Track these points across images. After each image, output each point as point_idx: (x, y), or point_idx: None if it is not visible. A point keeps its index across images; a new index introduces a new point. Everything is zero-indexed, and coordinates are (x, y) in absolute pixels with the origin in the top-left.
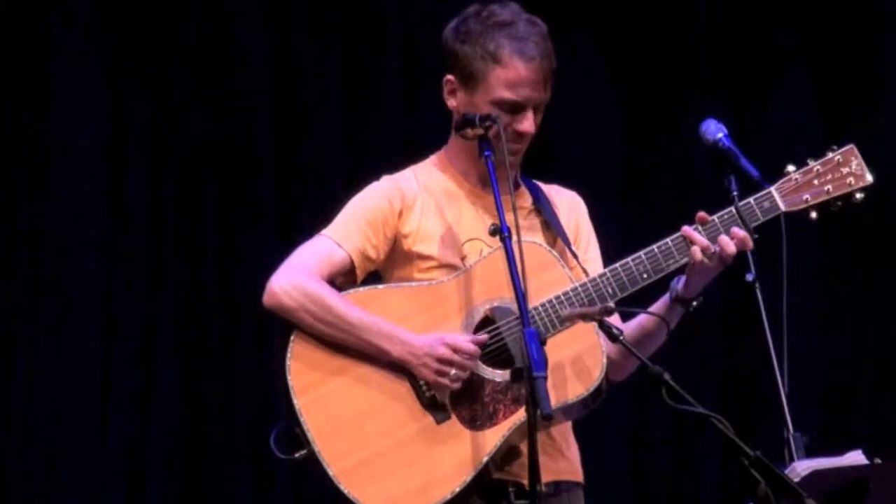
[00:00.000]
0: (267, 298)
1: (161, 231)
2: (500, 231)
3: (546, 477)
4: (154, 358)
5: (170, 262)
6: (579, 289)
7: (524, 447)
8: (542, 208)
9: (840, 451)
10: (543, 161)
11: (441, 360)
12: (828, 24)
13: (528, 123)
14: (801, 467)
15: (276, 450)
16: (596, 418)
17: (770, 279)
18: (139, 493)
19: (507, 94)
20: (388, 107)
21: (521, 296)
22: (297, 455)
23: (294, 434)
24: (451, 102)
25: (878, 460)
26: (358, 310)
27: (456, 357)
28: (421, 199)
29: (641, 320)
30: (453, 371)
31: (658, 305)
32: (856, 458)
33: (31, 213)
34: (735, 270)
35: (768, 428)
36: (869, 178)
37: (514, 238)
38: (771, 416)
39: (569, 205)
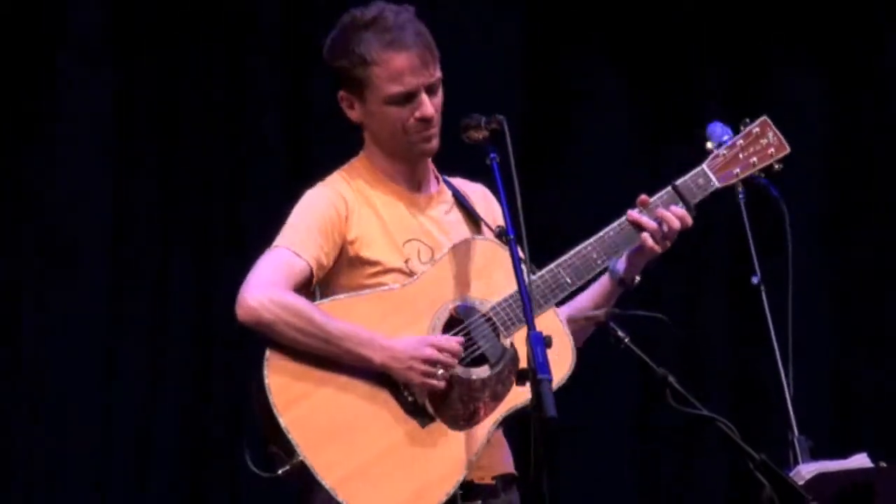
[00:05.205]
0: (243, 313)
1: (169, 214)
2: (507, 234)
3: (499, 470)
4: (160, 351)
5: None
6: (538, 280)
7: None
8: (462, 202)
9: (845, 454)
10: (557, 163)
11: (428, 361)
12: (835, 29)
13: (426, 108)
14: (806, 470)
15: (256, 468)
16: (601, 412)
17: (775, 282)
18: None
19: (395, 88)
20: None
21: (526, 300)
22: (280, 472)
23: (269, 453)
24: (353, 115)
25: (883, 464)
26: (338, 320)
27: (442, 356)
28: (358, 205)
29: (580, 305)
30: (441, 371)
31: (598, 287)
32: (861, 461)
33: (37, 195)
34: (740, 274)
35: (773, 431)
36: (787, 147)
37: (493, 243)
38: (776, 419)
39: (481, 197)
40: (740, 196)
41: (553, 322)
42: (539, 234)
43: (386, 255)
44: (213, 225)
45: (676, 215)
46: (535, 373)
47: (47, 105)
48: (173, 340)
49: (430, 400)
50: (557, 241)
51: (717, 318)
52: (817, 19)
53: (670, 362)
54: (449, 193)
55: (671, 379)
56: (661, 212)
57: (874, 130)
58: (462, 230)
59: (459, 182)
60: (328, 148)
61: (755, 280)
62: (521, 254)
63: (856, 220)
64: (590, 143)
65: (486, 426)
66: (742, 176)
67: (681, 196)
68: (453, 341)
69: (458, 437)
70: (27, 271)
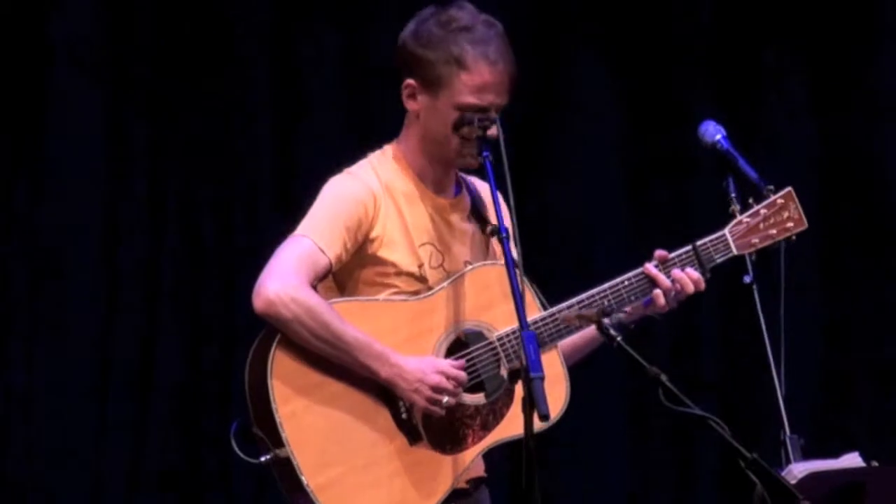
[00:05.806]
0: (261, 305)
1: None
2: (499, 232)
3: (472, 474)
4: (154, 338)
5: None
6: (548, 318)
7: None
8: (479, 210)
9: (837, 453)
10: (546, 162)
11: (435, 389)
12: (825, 36)
13: (493, 130)
14: (798, 469)
15: (239, 451)
16: (600, 412)
17: (767, 281)
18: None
19: (473, 100)
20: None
21: (518, 298)
22: (262, 459)
23: (254, 435)
24: (412, 105)
25: (875, 463)
26: (353, 328)
27: (449, 385)
28: (384, 202)
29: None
30: (445, 399)
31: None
32: (852, 460)
33: (29, 196)
34: (733, 273)
35: (765, 430)
36: (805, 223)
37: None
38: (768, 418)
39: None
40: (732, 194)
41: (554, 364)
42: (533, 233)
43: (403, 258)
44: (204, 229)
45: (692, 279)
46: (528, 371)
47: (39, 112)
48: (165, 348)
49: (423, 420)
50: (551, 241)
51: (709, 316)
52: (811, 23)
53: (663, 361)
54: (468, 200)
55: (663, 378)
56: (678, 273)
57: (869, 133)
58: (475, 240)
59: (477, 183)
60: (319, 146)
61: (747, 279)
62: (514, 254)
63: (848, 219)
64: (583, 143)
65: (471, 454)
66: (759, 247)
67: (699, 259)
68: (460, 370)
69: (444, 460)
70: (18, 281)
